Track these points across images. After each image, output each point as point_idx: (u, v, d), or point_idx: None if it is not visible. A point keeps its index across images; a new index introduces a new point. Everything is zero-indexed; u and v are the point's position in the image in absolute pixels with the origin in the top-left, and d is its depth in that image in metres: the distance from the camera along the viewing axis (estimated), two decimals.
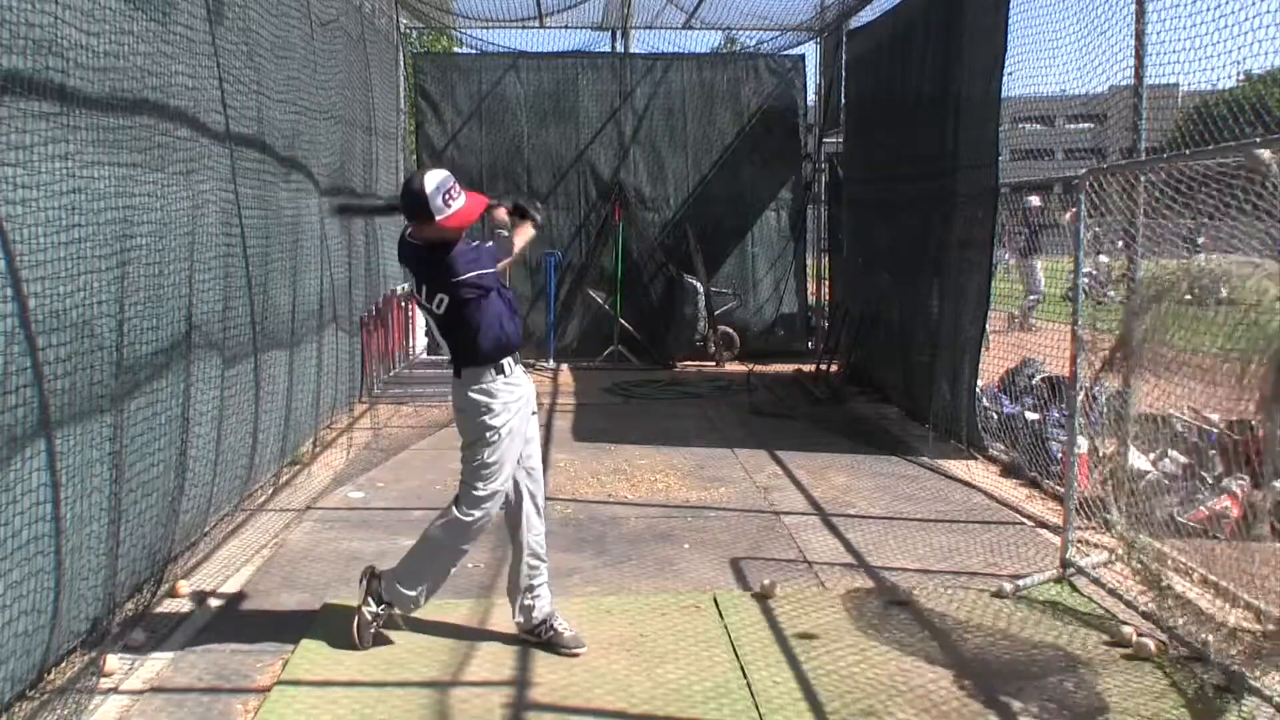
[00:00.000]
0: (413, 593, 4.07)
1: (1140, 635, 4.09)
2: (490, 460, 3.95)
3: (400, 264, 4.49)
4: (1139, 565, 4.36)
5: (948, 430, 7.66)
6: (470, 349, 3.93)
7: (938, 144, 8.05)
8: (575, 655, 3.98)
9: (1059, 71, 6.49)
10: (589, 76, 12.41)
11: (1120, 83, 5.75)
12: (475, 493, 3.98)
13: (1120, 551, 4.54)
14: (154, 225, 4.36)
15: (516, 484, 4.10)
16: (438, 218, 3.79)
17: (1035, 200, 4.55)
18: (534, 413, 4.15)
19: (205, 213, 5.05)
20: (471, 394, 3.95)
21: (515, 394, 4.00)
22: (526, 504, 4.12)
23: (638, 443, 7.79)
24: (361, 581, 4.14)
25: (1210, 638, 3.86)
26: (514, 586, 4.14)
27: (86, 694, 3.60)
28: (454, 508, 4.02)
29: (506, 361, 3.98)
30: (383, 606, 4.08)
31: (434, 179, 3.82)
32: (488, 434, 3.94)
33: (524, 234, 4.32)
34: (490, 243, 4.03)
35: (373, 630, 4.07)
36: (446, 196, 3.79)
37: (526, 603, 4.09)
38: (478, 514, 3.99)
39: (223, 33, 5.35)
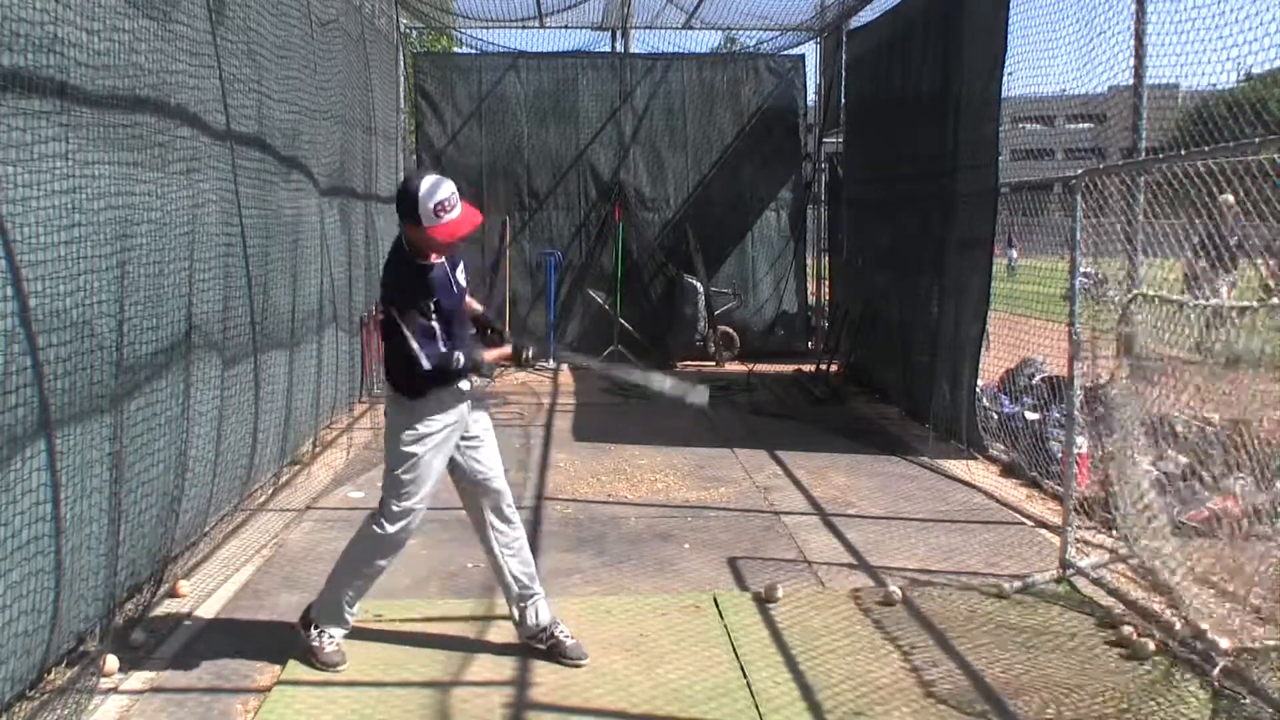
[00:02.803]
0: (346, 607, 3.97)
1: (1140, 635, 4.09)
2: (407, 477, 3.85)
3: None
4: (1139, 564, 4.36)
5: (948, 430, 7.66)
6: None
7: (938, 144, 8.06)
8: (578, 666, 3.92)
9: (1059, 71, 6.50)
10: (589, 76, 12.41)
11: (1120, 83, 5.75)
12: (392, 508, 3.87)
13: (1121, 550, 4.54)
14: (154, 224, 4.36)
15: (472, 502, 4.02)
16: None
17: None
18: (477, 429, 4.01)
19: (205, 212, 5.05)
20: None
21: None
22: (489, 515, 4.00)
23: (638, 443, 7.79)
24: (297, 631, 4.01)
25: (1212, 637, 3.86)
26: (508, 596, 4.07)
27: (86, 694, 3.60)
28: (372, 522, 3.92)
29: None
30: (318, 630, 3.95)
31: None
32: (405, 450, 3.85)
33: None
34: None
35: (335, 647, 3.94)
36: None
37: (523, 608, 4.03)
38: (393, 529, 3.88)
39: (223, 32, 5.35)
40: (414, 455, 3.84)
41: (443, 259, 3.90)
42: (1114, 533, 4.60)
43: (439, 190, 3.70)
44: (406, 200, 3.73)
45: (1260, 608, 3.97)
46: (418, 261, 3.83)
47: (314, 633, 3.94)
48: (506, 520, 4.04)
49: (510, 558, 4.02)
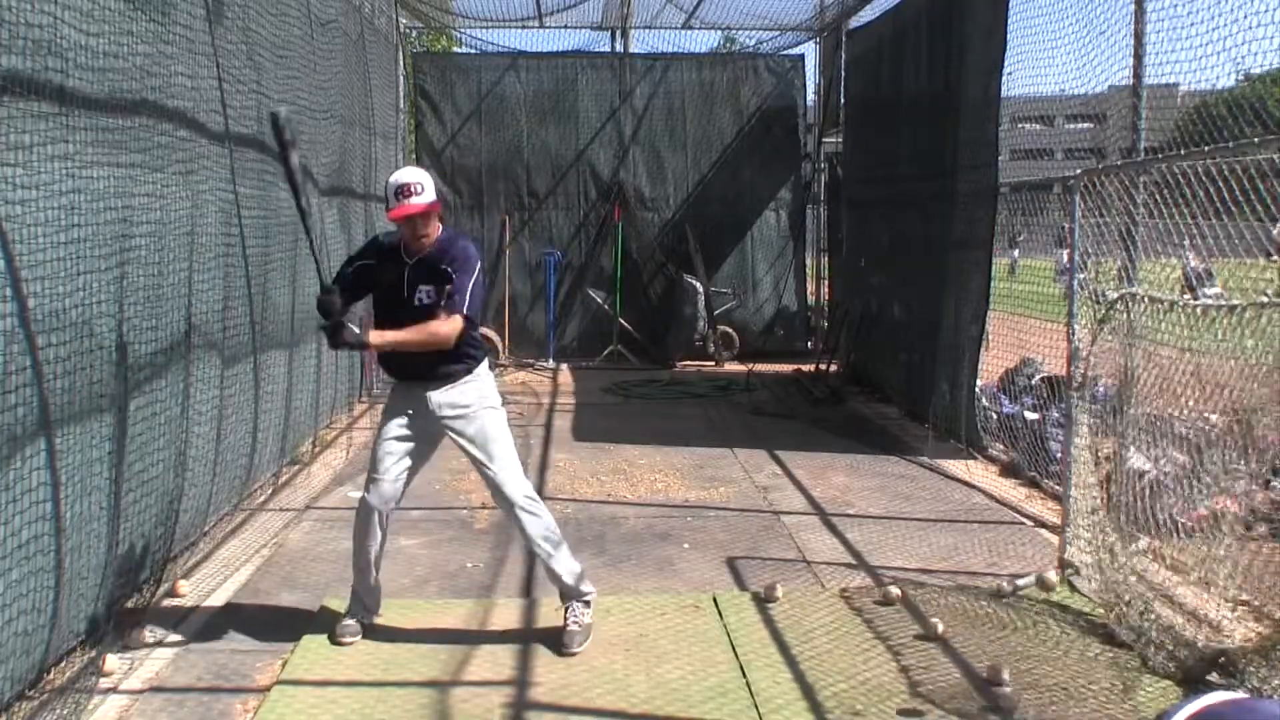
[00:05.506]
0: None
1: (1138, 635, 4.09)
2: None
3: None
4: (1118, 574, 4.36)
5: (947, 430, 7.66)
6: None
7: (937, 144, 8.06)
8: (572, 655, 3.98)
9: (1059, 71, 6.50)
10: (589, 76, 12.42)
11: (1119, 83, 5.75)
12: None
13: (1103, 560, 4.53)
14: (153, 225, 4.37)
15: None
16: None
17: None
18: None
19: (205, 213, 5.05)
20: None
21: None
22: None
23: (637, 443, 7.79)
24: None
25: (1205, 637, 3.86)
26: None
27: (86, 694, 3.60)
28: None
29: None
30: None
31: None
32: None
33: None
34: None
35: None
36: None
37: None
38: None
39: (222, 32, 5.35)
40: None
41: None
42: (1103, 536, 4.58)
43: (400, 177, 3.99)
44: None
45: (1260, 607, 3.97)
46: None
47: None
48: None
49: None
